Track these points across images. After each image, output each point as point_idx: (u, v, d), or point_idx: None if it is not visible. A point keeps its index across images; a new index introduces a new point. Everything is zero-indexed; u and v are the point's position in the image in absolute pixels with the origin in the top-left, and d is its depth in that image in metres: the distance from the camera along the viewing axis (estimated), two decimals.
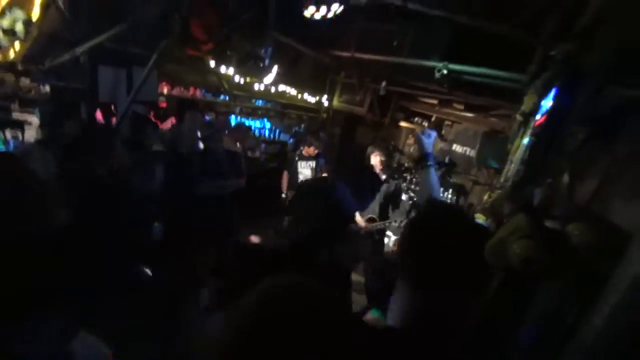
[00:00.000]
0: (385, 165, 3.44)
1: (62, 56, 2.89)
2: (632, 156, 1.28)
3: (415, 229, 0.90)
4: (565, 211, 1.34)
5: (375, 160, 3.44)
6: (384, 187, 3.47)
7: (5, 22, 2.65)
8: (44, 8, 2.71)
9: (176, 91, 4.27)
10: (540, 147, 2.02)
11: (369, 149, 3.51)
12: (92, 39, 2.80)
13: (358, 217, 3.56)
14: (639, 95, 1.37)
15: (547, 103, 1.74)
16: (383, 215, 3.46)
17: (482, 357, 0.97)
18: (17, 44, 2.74)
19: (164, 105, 4.29)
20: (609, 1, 1.41)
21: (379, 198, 3.44)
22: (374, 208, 3.48)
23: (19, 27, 2.70)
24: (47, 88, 3.16)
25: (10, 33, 2.68)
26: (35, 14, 2.72)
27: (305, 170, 4.34)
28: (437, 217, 0.91)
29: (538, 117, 1.97)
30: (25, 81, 3.09)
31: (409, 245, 0.87)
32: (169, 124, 4.22)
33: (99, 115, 3.61)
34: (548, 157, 1.97)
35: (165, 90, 4.26)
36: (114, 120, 3.65)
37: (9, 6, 2.63)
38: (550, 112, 1.62)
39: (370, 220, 3.48)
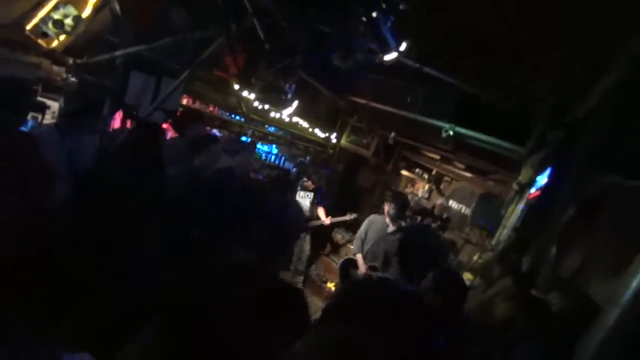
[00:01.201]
0: (392, 218, 3.41)
1: (101, 55, 3.08)
2: (611, 238, 1.39)
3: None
4: (549, 281, 1.43)
5: (386, 209, 3.46)
6: (390, 238, 3.38)
7: (57, 15, 2.86)
8: (96, 9, 2.94)
9: (197, 105, 4.46)
10: (532, 218, 2.15)
11: (386, 195, 3.53)
12: (133, 45, 3.00)
13: (359, 259, 3.52)
14: (620, 182, 1.52)
15: (542, 180, 1.89)
16: (386, 265, 3.32)
17: None
18: (62, 36, 2.93)
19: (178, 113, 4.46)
20: (601, 101, 1.61)
21: (383, 247, 3.35)
22: (378, 256, 3.40)
23: (68, 22, 2.90)
24: (75, 79, 3.32)
25: (59, 25, 2.87)
26: (86, 13, 2.93)
27: (303, 200, 4.44)
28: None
29: (532, 190, 2.12)
30: (58, 70, 3.25)
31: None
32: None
33: (119, 115, 3.76)
34: (538, 228, 2.09)
35: (185, 102, 4.46)
36: (129, 123, 3.78)
37: (65, 2, 2.84)
38: (544, 189, 1.76)
39: (371, 268, 3.39)
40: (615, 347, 0.64)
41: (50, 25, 2.87)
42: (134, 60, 3.25)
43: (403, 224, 3.60)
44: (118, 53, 3.09)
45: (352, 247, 3.71)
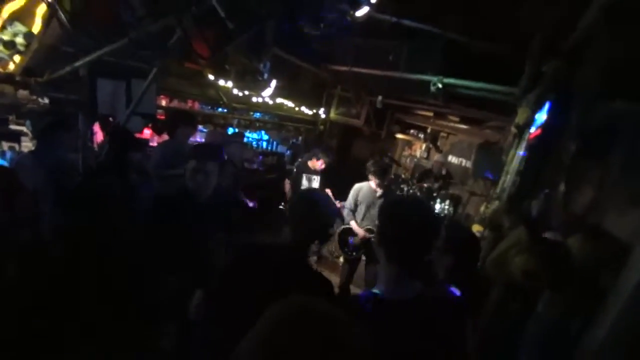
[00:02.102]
0: (378, 185, 3.47)
1: (62, 69, 2.90)
2: (625, 167, 1.31)
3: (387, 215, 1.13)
4: (563, 222, 1.37)
5: (372, 181, 3.49)
6: (380, 202, 3.46)
7: (6, 36, 2.67)
8: (46, 21, 2.74)
9: (175, 104, 4.30)
10: (535, 159, 2.06)
11: (367, 170, 3.53)
12: (92, 52, 2.82)
13: (354, 226, 3.57)
14: (628, 108, 1.42)
15: (541, 117, 1.79)
16: None
17: None
18: (17, 57, 2.75)
19: (162, 117, 4.31)
20: (596, 22, 1.47)
21: (375, 211, 3.46)
22: (373, 220, 3.49)
23: (20, 40, 2.72)
24: (46, 100, 3.17)
25: (11, 46, 2.70)
26: (37, 27, 2.74)
27: (311, 184, 4.33)
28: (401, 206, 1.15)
29: (532, 129, 2.01)
30: (23, 93, 3.09)
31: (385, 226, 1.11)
32: (165, 136, 4.23)
33: (96, 127, 3.62)
34: (543, 169, 2.00)
35: (163, 103, 4.29)
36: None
37: (10, 20, 2.65)
38: (545, 126, 1.66)
39: (368, 230, 3.51)
40: None
41: (1, 47, 2.69)
42: (97, 67, 3.08)
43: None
44: (78, 63, 2.91)
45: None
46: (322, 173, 4.36)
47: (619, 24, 1.50)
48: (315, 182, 4.36)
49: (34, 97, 3.15)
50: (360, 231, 3.54)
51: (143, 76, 3.25)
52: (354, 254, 3.67)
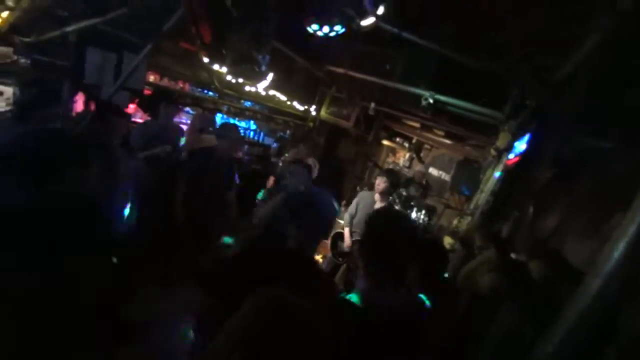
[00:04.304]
0: (382, 192, 3.52)
1: (50, 32, 2.78)
2: (588, 199, 1.44)
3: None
4: (528, 245, 1.49)
5: (376, 183, 3.57)
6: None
7: None
8: None
9: (165, 82, 4.19)
10: (510, 182, 2.20)
11: (379, 171, 3.60)
12: (85, 19, 2.72)
13: (346, 233, 3.59)
14: (598, 145, 1.55)
15: (521, 146, 1.91)
16: None
17: None
18: (5, 13, 2.62)
19: (149, 92, 4.19)
20: (585, 61, 1.59)
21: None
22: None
23: None
24: (28, 61, 3.02)
25: None
26: None
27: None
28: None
29: (511, 156, 2.15)
30: (4, 50, 2.93)
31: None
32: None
33: (80, 96, 3.48)
34: (515, 193, 2.15)
35: (152, 79, 4.17)
36: (92, 105, 3.52)
37: None
38: (524, 155, 1.78)
39: (355, 242, 3.54)
40: (594, 317, 0.67)
41: None
42: (88, 35, 2.97)
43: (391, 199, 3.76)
44: (70, 28, 2.80)
45: (341, 221, 3.77)
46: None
47: (601, 68, 1.63)
48: None
49: (16, 57, 2.99)
50: (348, 240, 3.57)
51: (135, 50, 3.17)
52: (340, 259, 3.69)
